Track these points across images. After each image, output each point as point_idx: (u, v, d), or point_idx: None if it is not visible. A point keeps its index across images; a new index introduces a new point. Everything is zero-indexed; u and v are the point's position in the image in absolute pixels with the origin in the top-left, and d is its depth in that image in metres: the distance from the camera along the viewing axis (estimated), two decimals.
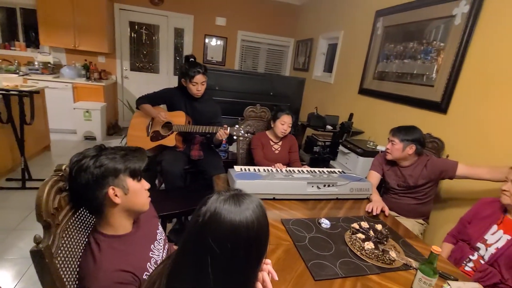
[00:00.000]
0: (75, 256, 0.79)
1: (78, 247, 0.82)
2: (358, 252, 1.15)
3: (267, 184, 1.50)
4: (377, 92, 2.84)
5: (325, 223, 1.34)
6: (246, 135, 1.90)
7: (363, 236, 1.20)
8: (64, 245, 0.75)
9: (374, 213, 1.49)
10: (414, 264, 1.11)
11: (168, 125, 2.13)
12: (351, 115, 2.95)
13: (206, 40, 5.01)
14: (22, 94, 2.53)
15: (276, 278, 0.67)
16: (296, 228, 1.28)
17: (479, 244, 1.32)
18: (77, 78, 4.18)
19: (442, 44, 2.14)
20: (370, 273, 1.05)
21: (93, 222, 0.93)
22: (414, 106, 2.38)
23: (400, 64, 2.58)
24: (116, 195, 0.80)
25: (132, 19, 4.67)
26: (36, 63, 4.11)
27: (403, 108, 2.49)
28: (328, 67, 4.19)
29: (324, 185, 1.58)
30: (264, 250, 0.58)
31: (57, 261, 0.70)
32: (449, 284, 0.98)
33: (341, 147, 2.70)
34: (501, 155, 1.68)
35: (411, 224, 1.76)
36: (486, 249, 1.29)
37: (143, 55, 4.91)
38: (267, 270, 0.67)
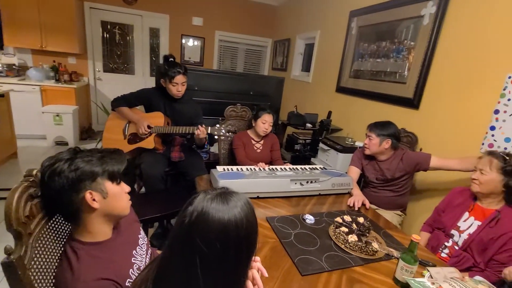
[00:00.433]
0: (51, 267, 0.74)
1: (54, 257, 0.77)
2: (343, 245, 1.17)
3: (251, 183, 1.50)
4: (354, 90, 2.93)
5: (309, 219, 1.35)
6: (227, 134, 1.88)
7: (346, 230, 1.23)
8: (38, 255, 0.70)
9: (356, 208, 1.53)
10: (396, 253, 1.15)
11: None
12: (330, 113, 3.02)
13: (183, 41, 4.92)
14: None
15: (266, 274, 0.67)
16: (281, 225, 1.29)
17: (453, 231, 1.40)
18: (45, 80, 3.95)
19: (412, 43, 2.25)
20: (354, 265, 1.07)
21: (69, 229, 0.87)
22: (388, 102, 2.48)
23: (374, 63, 2.68)
24: (94, 200, 0.76)
25: (104, 19, 4.48)
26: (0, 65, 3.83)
27: (379, 105, 2.59)
28: (306, 67, 4.26)
29: (307, 182, 1.60)
30: (254, 248, 0.57)
31: (30, 273, 0.65)
32: (428, 271, 1.03)
33: (321, 145, 2.76)
34: (469, 147, 1.79)
35: (390, 216, 1.82)
36: (460, 236, 1.37)
37: (117, 56, 4.73)
38: (257, 268, 0.67)
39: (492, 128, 1.68)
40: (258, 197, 1.52)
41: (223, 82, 2.85)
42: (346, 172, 1.87)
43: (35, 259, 0.68)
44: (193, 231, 0.53)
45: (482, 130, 1.73)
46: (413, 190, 2.09)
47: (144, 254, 0.97)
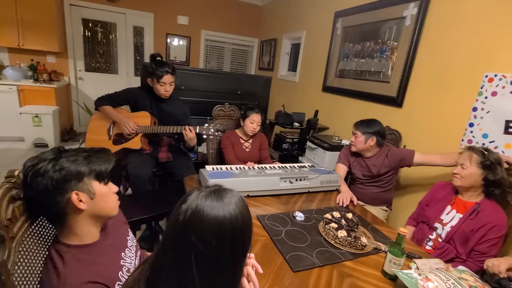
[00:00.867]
0: (35, 272, 0.71)
1: (38, 261, 0.74)
2: (332, 241, 1.19)
3: (241, 182, 1.49)
4: (340, 89, 2.99)
5: (299, 216, 1.37)
6: (216, 133, 1.87)
7: (336, 225, 1.25)
8: (22, 259, 0.67)
9: (344, 205, 1.56)
10: (383, 247, 1.18)
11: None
12: (316, 112, 3.06)
13: (168, 40, 4.85)
14: None
15: (261, 271, 0.67)
16: (272, 223, 1.29)
17: (436, 224, 1.45)
18: (23, 80, 3.78)
19: (395, 43, 2.32)
20: (344, 260, 1.09)
21: (53, 232, 0.84)
22: (373, 101, 2.54)
23: (359, 63, 2.74)
24: (80, 201, 0.73)
25: (85, 16, 4.34)
26: None
27: (364, 104, 2.65)
28: (293, 67, 4.30)
29: (296, 179, 1.62)
30: (249, 244, 0.57)
31: (14, 278, 0.62)
32: (415, 262, 1.07)
33: (308, 143, 2.79)
34: (450, 143, 1.86)
35: (376, 212, 1.87)
36: (443, 228, 1.42)
37: (99, 55, 4.59)
38: (251, 264, 0.67)
39: (471, 124, 1.76)
40: (248, 196, 1.51)
41: (210, 82, 2.83)
42: (333, 170, 1.90)
43: (19, 263, 0.65)
44: (188, 228, 0.52)
45: (461, 126, 1.81)
46: (398, 185, 2.16)
47: (133, 256, 0.94)
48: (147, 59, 4.65)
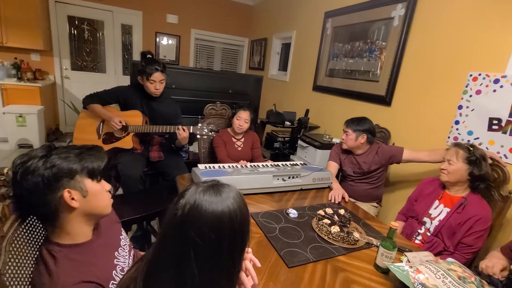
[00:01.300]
0: (26, 272, 0.69)
1: (29, 261, 0.72)
2: (326, 237, 1.21)
3: (234, 180, 1.49)
4: (330, 88, 3.02)
5: (293, 213, 1.38)
6: (210, 133, 1.85)
7: (329, 221, 1.26)
8: (12, 259, 0.65)
9: (336, 202, 1.59)
10: (375, 241, 1.21)
11: (123, 126, 1.98)
12: (307, 111, 3.08)
13: (158, 38, 4.78)
14: None
15: (259, 265, 0.67)
16: (266, 220, 1.30)
17: (425, 219, 1.49)
18: (6, 79, 3.65)
19: (384, 43, 2.37)
20: (338, 255, 1.11)
21: (45, 231, 0.82)
22: (363, 100, 2.58)
23: (348, 62, 2.79)
24: (73, 199, 0.72)
25: (71, 13, 4.23)
26: None
27: (354, 103, 2.69)
28: (283, 66, 4.32)
29: (289, 177, 1.63)
30: (247, 239, 0.58)
31: (5, 278, 0.60)
32: (406, 256, 1.09)
33: (300, 142, 2.81)
34: (436, 140, 1.92)
35: (367, 208, 1.90)
36: (431, 222, 1.46)
37: (86, 53, 4.48)
38: (249, 258, 0.67)
39: (457, 122, 1.82)
40: None
41: (202, 80, 2.81)
42: (325, 168, 1.93)
43: (9, 263, 0.63)
44: (186, 223, 0.52)
45: (447, 124, 1.86)
46: (387, 182, 2.21)
47: (127, 256, 0.93)
48: (136, 58, 4.58)
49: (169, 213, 0.55)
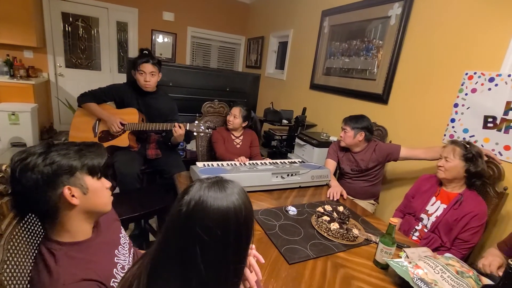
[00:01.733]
0: (25, 270, 0.68)
1: (28, 259, 0.70)
2: (325, 233, 1.21)
3: (233, 178, 1.46)
4: (327, 87, 3.03)
5: (292, 210, 1.38)
6: (206, 130, 1.85)
7: (328, 218, 1.27)
8: (11, 258, 0.63)
9: (335, 199, 1.59)
10: (374, 238, 1.22)
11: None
12: (304, 109, 3.09)
13: (154, 36, 4.74)
14: None
15: (262, 260, 0.67)
16: (265, 217, 1.30)
17: (422, 215, 1.51)
18: None
19: (381, 42, 2.38)
20: (337, 251, 1.12)
21: (44, 229, 0.80)
22: (360, 98, 2.60)
23: (345, 61, 2.80)
24: (73, 196, 0.71)
25: (65, 10, 4.16)
26: None
27: (351, 101, 2.71)
28: (280, 64, 4.32)
29: (288, 175, 1.63)
30: (252, 234, 0.58)
31: (4, 278, 0.59)
32: (404, 251, 1.10)
33: (297, 140, 2.82)
34: (433, 138, 1.94)
35: (364, 205, 1.91)
36: (428, 219, 1.48)
37: (80, 51, 4.42)
38: (252, 254, 0.67)
39: (452, 120, 1.84)
40: None
41: (199, 78, 2.80)
42: (323, 165, 1.93)
43: (8, 262, 0.62)
44: (192, 220, 0.52)
45: (443, 122, 1.88)
46: (384, 179, 2.22)
47: (127, 254, 0.92)
48: (131, 56, 4.53)
49: (173, 210, 0.55)
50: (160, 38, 4.81)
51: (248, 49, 5.26)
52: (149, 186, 2.21)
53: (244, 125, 2.16)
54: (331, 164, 1.95)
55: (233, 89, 2.95)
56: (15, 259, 0.66)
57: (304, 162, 1.90)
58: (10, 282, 0.62)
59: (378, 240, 1.07)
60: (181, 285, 0.53)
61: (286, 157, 2.95)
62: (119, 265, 0.84)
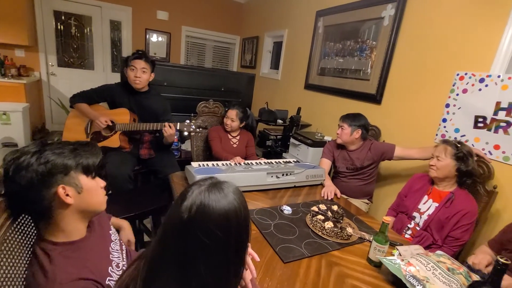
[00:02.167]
0: (20, 272, 0.67)
1: (23, 261, 0.70)
2: (320, 232, 1.22)
3: (228, 178, 1.45)
4: (321, 87, 3.05)
5: (287, 209, 1.39)
6: (197, 130, 1.83)
7: (322, 217, 1.28)
8: (5, 259, 0.63)
9: (329, 198, 1.61)
10: (367, 236, 1.24)
11: (109, 125, 1.94)
12: (299, 109, 3.11)
13: (147, 35, 4.71)
14: None
15: (258, 259, 0.68)
16: (261, 217, 1.31)
17: (414, 214, 1.54)
18: None
19: (374, 42, 2.41)
20: (332, 250, 1.13)
21: (38, 230, 0.80)
22: (354, 98, 2.62)
23: (339, 61, 2.82)
24: (67, 195, 0.71)
25: (57, 8, 4.10)
26: None
27: (345, 101, 2.73)
28: (275, 64, 4.33)
29: (283, 174, 1.64)
30: (250, 233, 0.58)
31: None
32: (397, 249, 1.12)
33: (292, 140, 2.83)
34: (425, 137, 1.97)
35: (358, 204, 1.93)
36: (420, 217, 1.50)
37: (73, 50, 4.36)
38: (248, 253, 0.68)
39: (444, 120, 1.87)
40: None
41: (194, 78, 2.79)
42: (318, 165, 1.95)
43: (1, 264, 0.62)
44: (194, 225, 0.52)
45: (435, 122, 1.92)
46: (378, 178, 2.25)
47: (119, 250, 0.92)
48: (125, 55, 4.49)
49: (172, 218, 0.54)
50: (154, 37, 4.78)
51: (242, 49, 5.26)
52: (144, 186, 2.20)
53: (241, 126, 2.16)
54: (326, 164, 1.97)
55: (228, 89, 2.95)
56: (9, 260, 0.65)
57: (298, 162, 1.91)
58: (4, 284, 0.61)
59: (371, 238, 1.09)
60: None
61: (281, 157, 2.96)
62: (114, 263, 0.84)
